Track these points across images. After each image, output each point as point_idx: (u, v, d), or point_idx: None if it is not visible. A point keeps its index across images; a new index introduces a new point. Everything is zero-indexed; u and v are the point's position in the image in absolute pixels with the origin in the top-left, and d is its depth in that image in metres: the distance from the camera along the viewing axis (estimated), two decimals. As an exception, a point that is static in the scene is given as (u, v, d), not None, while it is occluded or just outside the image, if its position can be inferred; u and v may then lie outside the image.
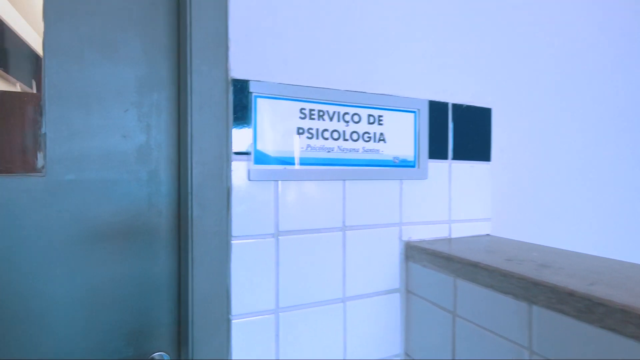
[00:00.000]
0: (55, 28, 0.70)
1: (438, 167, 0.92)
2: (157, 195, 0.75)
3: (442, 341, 0.78)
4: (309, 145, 0.77)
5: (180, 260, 0.78)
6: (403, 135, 0.87)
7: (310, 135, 0.77)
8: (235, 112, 0.71)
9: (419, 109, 0.88)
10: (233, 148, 0.71)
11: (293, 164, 0.76)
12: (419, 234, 0.91)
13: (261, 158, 0.73)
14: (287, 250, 0.76)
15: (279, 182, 0.75)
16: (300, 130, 0.76)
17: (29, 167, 0.68)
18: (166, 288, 0.76)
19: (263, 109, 0.73)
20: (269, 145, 0.74)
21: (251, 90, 0.72)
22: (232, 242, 0.72)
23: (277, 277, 0.75)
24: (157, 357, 0.73)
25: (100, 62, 0.71)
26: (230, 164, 0.71)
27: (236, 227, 0.72)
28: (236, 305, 0.72)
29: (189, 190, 0.70)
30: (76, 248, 0.68)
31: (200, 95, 0.69)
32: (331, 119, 0.79)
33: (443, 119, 0.92)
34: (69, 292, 0.68)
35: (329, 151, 0.79)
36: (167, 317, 0.76)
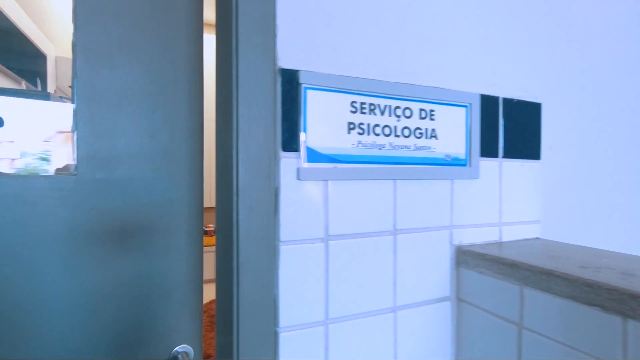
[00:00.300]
0: (84, 30, 0.67)
1: (488, 166, 0.86)
2: (177, 194, 0.74)
3: (503, 354, 0.72)
4: (360, 142, 0.71)
5: (220, 265, 0.72)
6: (454, 131, 0.81)
7: (361, 131, 0.71)
8: (284, 105, 0.65)
9: (470, 103, 0.82)
10: (281, 145, 0.65)
11: (343, 162, 0.69)
12: (470, 237, 0.84)
13: (311, 155, 0.67)
14: (336, 256, 0.70)
15: (329, 181, 0.69)
16: (351, 126, 0.70)
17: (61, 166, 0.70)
18: (186, 283, 0.75)
19: (313, 101, 0.67)
20: (319, 141, 0.67)
21: (301, 81, 0.65)
22: (280, 247, 0.65)
23: (326, 285, 0.69)
24: (180, 350, 0.73)
25: (129, 63, 0.70)
26: (279, 162, 0.65)
27: (284, 231, 0.66)
28: (284, 317, 0.66)
29: (234, 191, 0.63)
30: (103, 246, 0.68)
31: (246, 86, 0.63)
32: (382, 113, 0.73)
33: (494, 114, 0.86)
34: (95, 287, 0.67)
35: (380, 148, 0.73)
36: (188, 312, 0.75)
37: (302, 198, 0.67)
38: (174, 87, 0.73)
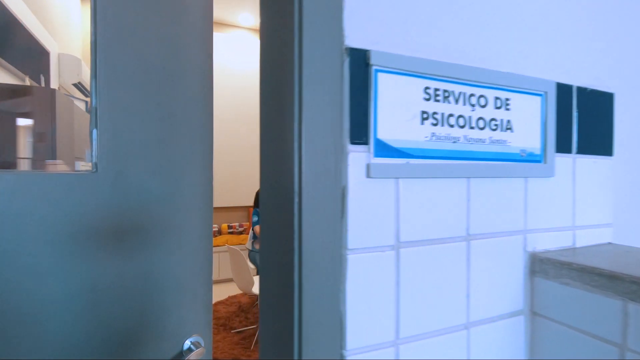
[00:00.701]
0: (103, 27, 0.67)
1: (562, 163, 0.77)
2: (188, 193, 0.75)
3: (596, 378, 0.62)
4: (433, 134, 0.61)
5: (269, 279, 0.62)
6: (530, 123, 0.72)
7: (435, 122, 0.62)
8: (352, 90, 0.56)
9: (546, 92, 0.73)
10: (349, 136, 0.56)
11: (416, 156, 0.60)
12: (543, 243, 0.75)
13: (382, 149, 0.57)
14: (408, 266, 0.60)
15: (400, 180, 0.59)
16: (425, 115, 0.61)
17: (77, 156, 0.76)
18: (197, 277, 0.76)
19: (385, 86, 0.57)
20: (389, 133, 0.58)
21: (372, 62, 0.56)
22: (347, 256, 0.56)
23: (397, 299, 0.60)
24: (192, 340, 0.74)
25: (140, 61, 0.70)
26: (347, 157, 0.56)
27: (352, 237, 0.56)
28: (352, 338, 0.56)
29: (295, 192, 0.54)
30: (120, 242, 0.69)
31: (311, 68, 0.54)
32: (457, 101, 0.64)
33: (568, 104, 0.77)
34: (110, 281, 0.68)
35: (454, 141, 0.63)
36: (200, 304, 0.77)
37: (372, 199, 0.57)
38: (184, 87, 0.74)
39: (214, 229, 5.07)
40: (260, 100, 0.66)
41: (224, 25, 5.14)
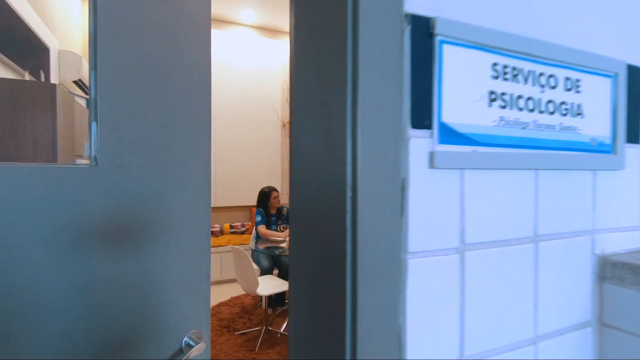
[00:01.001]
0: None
1: (632, 154, 0.68)
2: (187, 189, 0.75)
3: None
4: (502, 118, 0.53)
5: (304, 286, 0.54)
6: (600, 108, 0.63)
7: (503, 104, 0.53)
8: (413, 64, 0.47)
9: (617, 73, 0.64)
10: (410, 119, 0.47)
11: (482, 144, 0.51)
12: (612, 244, 0.66)
13: (447, 135, 0.49)
14: (473, 272, 0.52)
15: (465, 171, 0.51)
16: (493, 96, 0.52)
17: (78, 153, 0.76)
18: (195, 272, 0.76)
19: (451, 60, 0.49)
20: (455, 116, 0.49)
21: (436, 31, 0.47)
22: (408, 260, 0.47)
23: (461, 311, 0.51)
24: (192, 334, 0.74)
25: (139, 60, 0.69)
26: (408, 144, 0.47)
27: (414, 238, 0.48)
28: (412, 356, 0.48)
29: (348, 185, 0.45)
30: (118, 238, 0.68)
31: (368, 39, 0.45)
32: (525, 80, 0.55)
33: (637, 88, 0.68)
34: (107, 278, 0.67)
35: (523, 127, 0.55)
36: (199, 299, 0.76)
37: (434, 193, 0.49)
38: (183, 81, 0.73)
39: (216, 229, 4.98)
40: (291, 79, 0.58)
41: (225, 22, 5.05)
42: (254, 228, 3.84)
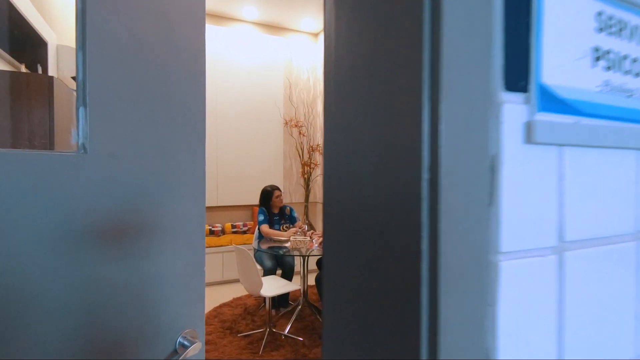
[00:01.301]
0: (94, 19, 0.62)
1: None
2: (182, 186, 0.72)
3: None
4: (607, 83, 0.42)
5: (346, 290, 0.43)
6: (703, 78, 0.52)
7: (608, 64, 0.42)
8: (506, 8, 0.36)
9: None
10: (503, 80, 0.36)
11: (587, 115, 0.40)
12: None
13: (548, 101, 0.38)
14: (573, 277, 0.41)
15: (565, 148, 0.40)
16: (597, 54, 0.41)
17: (73, 145, 0.64)
18: (190, 269, 0.74)
19: (552, 7, 0.38)
20: (555, 77, 0.38)
21: (536, -35, 0.36)
22: (500, 263, 0.36)
23: (559, 325, 0.40)
24: (188, 337, 0.73)
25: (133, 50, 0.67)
26: (500, 111, 0.36)
27: (507, 234, 0.36)
28: (505, 389, 0.37)
29: (424, 164, 0.34)
30: (110, 234, 0.64)
31: (452, -33, 0.34)
32: (631, 37, 0.44)
33: None
34: (101, 276, 0.64)
35: (629, 95, 0.44)
36: (192, 296, 0.75)
37: (530, 176, 0.38)
38: (177, 66, 0.71)
39: (217, 229, 4.87)
40: (327, 35, 0.47)
41: (226, 18, 4.94)
42: (257, 227, 3.74)
